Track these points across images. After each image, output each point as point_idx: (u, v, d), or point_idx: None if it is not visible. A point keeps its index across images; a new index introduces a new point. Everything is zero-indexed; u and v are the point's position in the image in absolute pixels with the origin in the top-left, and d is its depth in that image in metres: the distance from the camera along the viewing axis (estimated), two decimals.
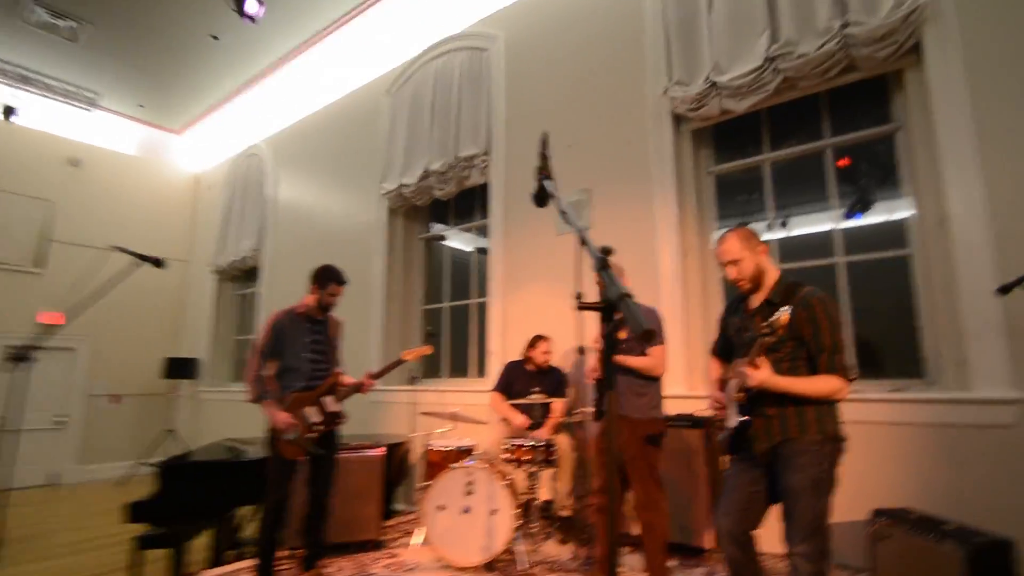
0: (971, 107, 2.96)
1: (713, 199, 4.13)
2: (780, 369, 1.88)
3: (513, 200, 4.88)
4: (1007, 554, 2.20)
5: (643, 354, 2.73)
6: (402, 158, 5.61)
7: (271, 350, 2.81)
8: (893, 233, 3.48)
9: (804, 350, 1.88)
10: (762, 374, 1.79)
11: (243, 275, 7.94)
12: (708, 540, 3.18)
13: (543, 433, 3.74)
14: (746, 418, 1.92)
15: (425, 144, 5.44)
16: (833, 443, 1.85)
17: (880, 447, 2.98)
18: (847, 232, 3.61)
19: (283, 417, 2.70)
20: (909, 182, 3.38)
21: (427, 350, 3.29)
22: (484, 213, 5.31)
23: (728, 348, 2.27)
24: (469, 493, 3.12)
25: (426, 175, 5.37)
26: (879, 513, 2.66)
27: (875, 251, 3.53)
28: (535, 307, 4.60)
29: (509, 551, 3.13)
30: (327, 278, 2.91)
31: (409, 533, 3.79)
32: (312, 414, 2.81)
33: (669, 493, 3.25)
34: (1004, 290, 2.42)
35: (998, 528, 2.34)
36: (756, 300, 2.03)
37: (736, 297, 2.18)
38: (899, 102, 3.44)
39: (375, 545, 3.47)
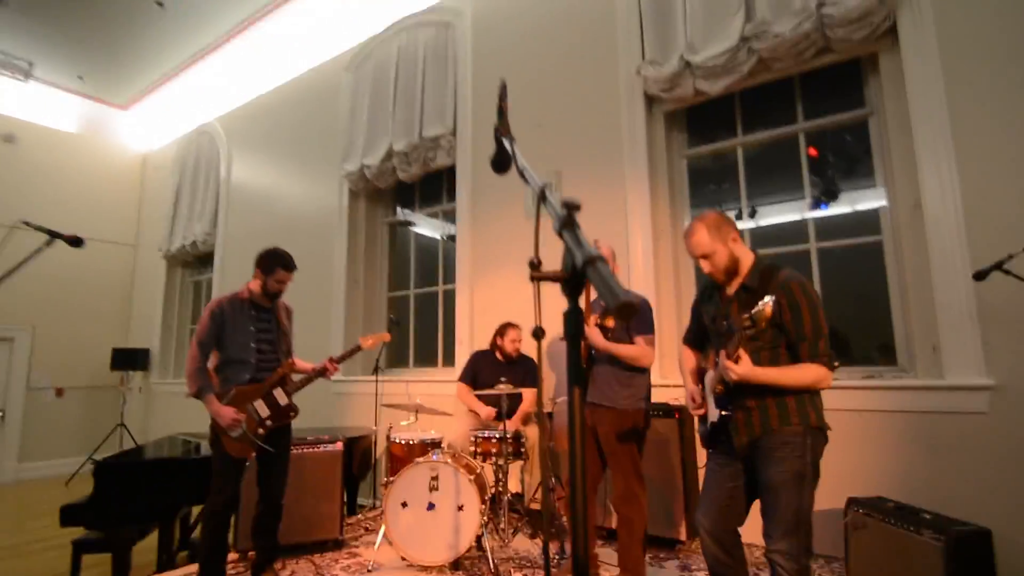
0: (945, 92, 2.90)
1: (686, 183, 4.02)
2: (759, 359, 1.76)
3: (481, 183, 4.68)
4: (986, 544, 2.17)
5: (630, 342, 2.60)
6: (364, 138, 5.33)
7: (212, 340, 2.56)
8: (865, 220, 3.43)
9: (784, 338, 1.76)
10: (743, 368, 1.67)
11: (196, 261, 7.52)
12: (682, 532, 3.10)
13: (511, 424, 3.59)
14: (726, 412, 1.80)
15: (388, 124, 5.18)
16: (815, 434, 1.75)
17: (852, 435, 2.94)
18: (819, 219, 3.55)
19: (227, 412, 2.47)
20: (881, 168, 3.33)
21: (385, 337, 3.09)
22: (452, 197, 5.09)
23: (702, 337, 2.16)
24: (434, 489, 2.95)
25: (389, 156, 5.11)
26: (853, 502, 2.61)
27: (847, 238, 3.49)
28: (504, 294, 4.43)
29: (477, 548, 2.99)
30: (273, 263, 2.66)
31: (371, 530, 3.61)
32: (261, 408, 2.58)
33: (655, 488, 3.18)
34: (980, 276, 2.37)
35: (972, 516, 2.31)
36: (732, 286, 1.91)
37: (709, 283, 2.05)
38: (873, 87, 3.38)
39: (335, 544, 3.27)
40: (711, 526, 1.87)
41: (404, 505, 2.95)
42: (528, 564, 2.95)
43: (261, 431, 2.57)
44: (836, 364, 1.72)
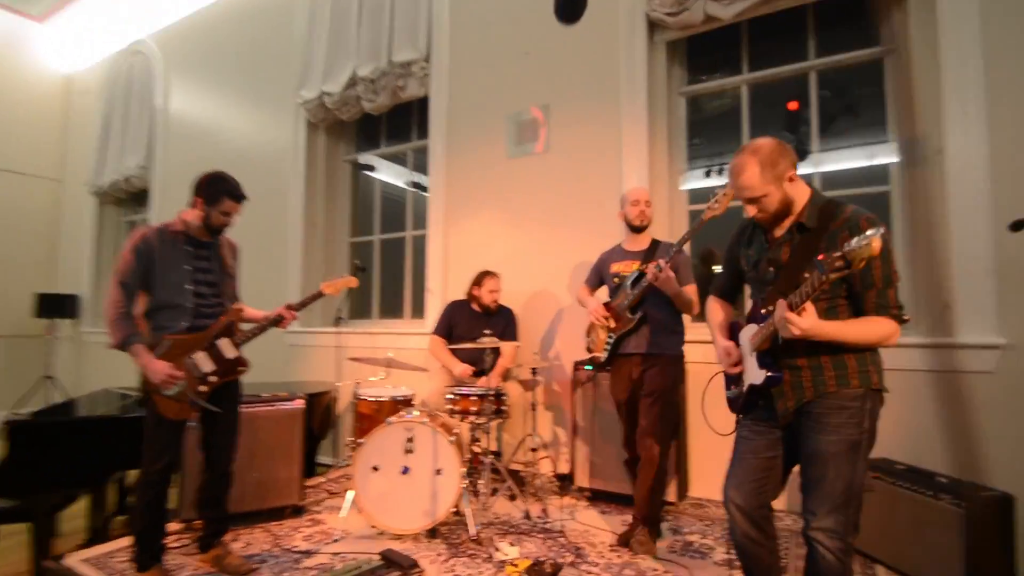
0: (980, 30, 2.61)
1: (684, 124, 3.66)
2: (817, 311, 1.47)
3: (458, 117, 4.19)
4: (1009, 511, 2.02)
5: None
6: (324, 62, 4.68)
7: (137, 280, 2.07)
8: (872, 170, 3.19)
9: (844, 286, 1.47)
10: (808, 321, 1.36)
11: (130, 198, 6.71)
12: (672, 493, 2.90)
13: (492, 381, 3.27)
14: (773, 373, 1.50)
15: (352, 45, 4.55)
16: (874, 397, 1.49)
17: None
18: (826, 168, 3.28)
19: (160, 367, 2.02)
20: (895, 113, 3.06)
21: (351, 282, 2.66)
22: (424, 133, 4.58)
23: (735, 286, 1.85)
24: (409, 451, 2.62)
25: (353, 82, 4.51)
26: None
27: (851, 188, 3.24)
28: (482, 240, 4.03)
29: (456, 514, 2.70)
30: (218, 190, 2.16)
31: (335, 494, 3.27)
32: (203, 362, 2.14)
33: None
34: (1017, 227, 2.14)
35: (980, 479, 2.17)
36: (781, 227, 1.59)
37: (748, 223, 1.73)
38: (897, 23, 3.06)
39: (294, 511, 2.91)
40: (744, 501, 1.60)
41: (375, 469, 2.61)
42: (513, 529, 2.69)
43: (203, 388, 2.14)
44: (906, 318, 1.44)
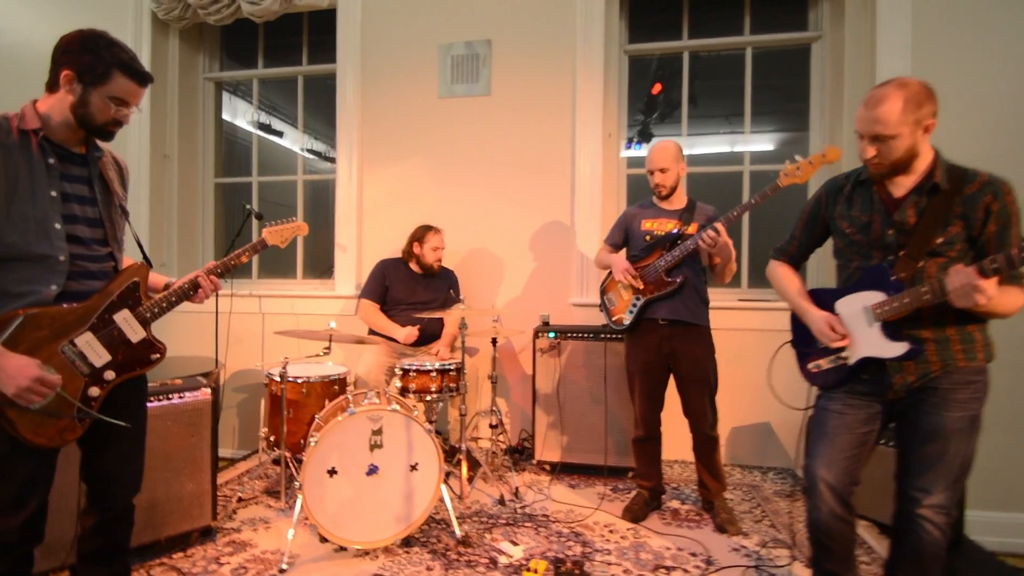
0: (912, 25, 2.75)
1: (626, 83, 3.38)
2: (933, 269, 1.32)
3: (375, 40, 3.35)
4: None
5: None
6: None
7: None
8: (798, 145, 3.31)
9: (972, 252, 1.32)
10: (993, 288, 1.18)
11: None
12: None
13: (444, 352, 2.72)
14: (918, 345, 1.31)
15: None
16: (988, 371, 1.38)
17: (785, 354, 2.85)
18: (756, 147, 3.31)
19: (18, 367, 1.13)
20: (820, 96, 3.17)
21: (301, 228, 1.84)
22: (319, 52, 3.62)
23: (809, 252, 1.64)
24: (376, 446, 2.00)
25: None
26: None
27: (776, 163, 3.34)
28: (404, 190, 3.34)
29: (434, 516, 2.18)
30: (105, 60, 1.22)
31: (250, 500, 2.45)
32: (91, 350, 1.27)
33: (602, 414, 2.70)
34: None
35: None
36: (901, 185, 1.38)
37: (841, 181, 1.51)
38: (826, 9, 3.13)
39: (205, 534, 2.07)
40: (836, 479, 1.43)
41: (332, 473, 1.95)
42: (494, 520, 2.26)
43: (95, 392, 1.28)
44: None
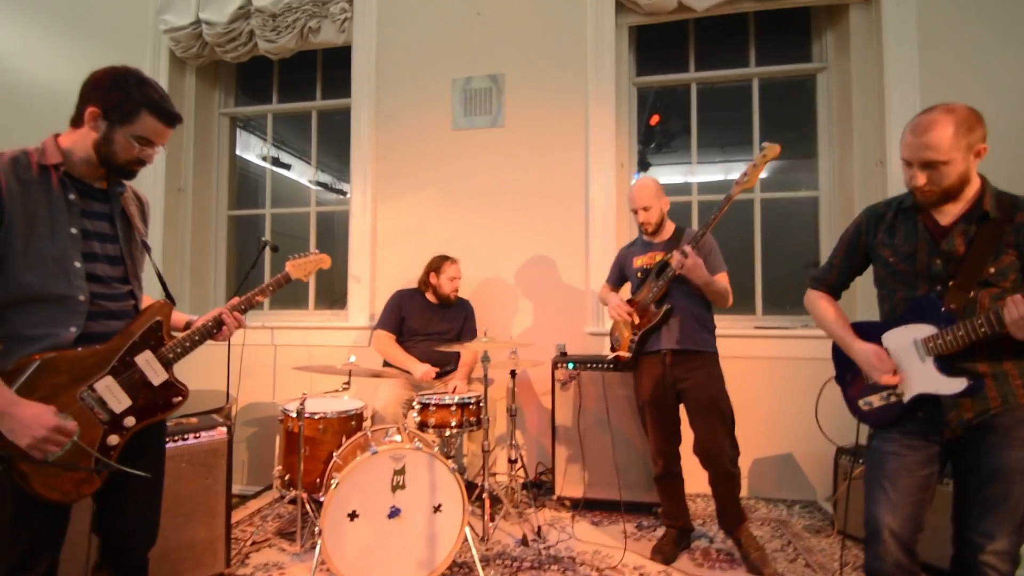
0: (919, 53, 2.76)
1: (635, 114, 3.37)
2: (987, 299, 1.25)
3: (389, 75, 3.35)
4: None
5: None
6: None
7: None
8: (804, 178, 3.30)
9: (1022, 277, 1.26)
10: None
11: None
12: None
13: (462, 386, 2.63)
14: (978, 381, 1.23)
15: None
16: None
17: (803, 383, 2.78)
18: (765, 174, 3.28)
19: (35, 415, 1.04)
20: (827, 125, 3.16)
21: (324, 261, 1.78)
22: (333, 87, 3.64)
23: (848, 281, 1.57)
24: (399, 487, 1.89)
25: (246, 13, 3.36)
26: (843, 451, 2.42)
27: (787, 191, 3.32)
28: (418, 221, 3.30)
29: (455, 559, 2.05)
30: (134, 99, 1.18)
31: (263, 543, 2.31)
32: (111, 395, 1.19)
33: (624, 448, 2.59)
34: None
35: None
36: (947, 213, 1.33)
37: (883, 210, 1.45)
38: (830, 41, 3.15)
39: None
40: (900, 527, 1.33)
41: (353, 516, 1.84)
42: (518, 563, 2.13)
43: (115, 441, 1.19)
44: None
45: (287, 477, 2.34)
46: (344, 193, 3.90)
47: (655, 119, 3.54)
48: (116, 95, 1.17)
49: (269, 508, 2.66)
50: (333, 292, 3.77)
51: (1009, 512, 1.25)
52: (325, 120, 3.76)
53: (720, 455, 2.07)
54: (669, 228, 2.26)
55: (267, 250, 2.95)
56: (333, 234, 3.85)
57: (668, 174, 3.51)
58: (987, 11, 2.64)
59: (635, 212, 2.23)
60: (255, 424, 3.31)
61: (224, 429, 1.97)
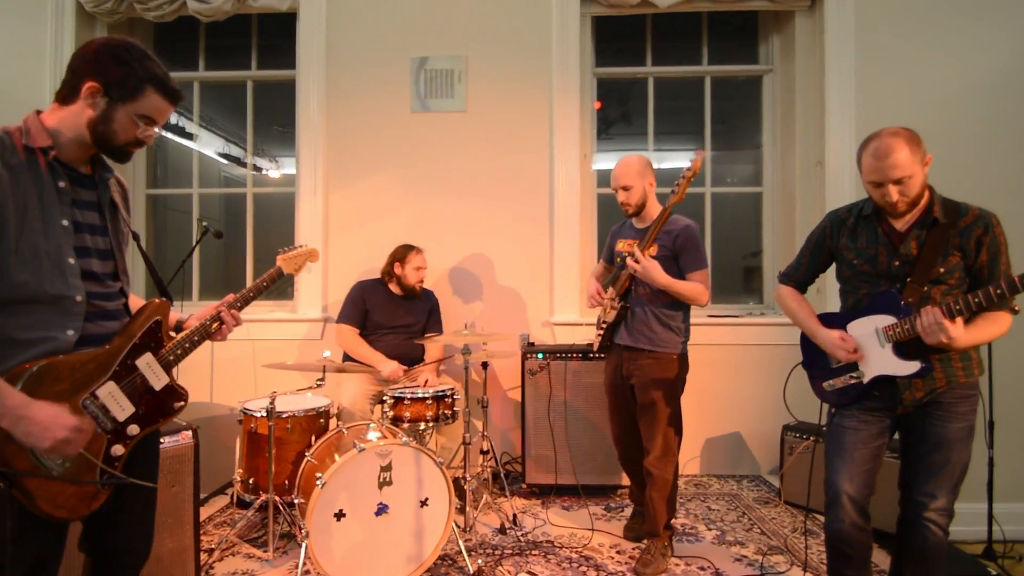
0: (855, 60, 3.11)
1: (594, 104, 3.53)
2: (937, 295, 1.52)
3: (341, 49, 3.26)
4: None
5: (681, 277, 2.08)
6: None
7: None
8: (747, 172, 3.64)
9: (968, 282, 1.54)
10: (958, 331, 1.40)
11: None
12: (624, 478, 2.83)
13: (431, 379, 2.68)
14: (928, 364, 1.49)
15: None
16: (979, 385, 1.61)
17: (747, 366, 3.13)
18: (714, 166, 3.58)
19: (52, 416, 0.98)
20: (772, 125, 3.50)
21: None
22: (270, 56, 3.48)
23: (814, 277, 1.82)
24: (386, 484, 1.93)
25: None
26: (788, 428, 2.76)
27: (736, 187, 3.65)
28: (375, 208, 3.26)
29: (444, 553, 2.12)
30: (136, 74, 1.11)
31: (232, 550, 2.24)
32: (114, 402, 1.14)
33: (591, 434, 2.78)
34: None
35: None
36: (903, 220, 1.58)
37: (844, 215, 1.70)
38: (774, 46, 3.48)
39: None
40: (856, 491, 1.60)
41: (340, 516, 1.86)
42: (499, 550, 2.25)
43: (119, 451, 1.15)
44: (1017, 309, 1.58)
45: (251, 480, 2.28)
46: (260, 169, 3.70)
47: (597, 105, 3.72)
48: (119, 70, 1.11)
49: (221, 514, 2.57)
50: (238, 280, 3.57)
51: (948, 474, 1.54)
52: (235, 89, 3.56)
53: (644, 456, 2.15)
54: (654, 211, 2.18)
55: (206, 236, 2.81)
56: (239, 213, 3.55)
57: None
58: (917, 27, 3.02)
59: (616, 191, 2.19)
60: (197, 423, 3.14)
61: (190, 433, 1.90)
